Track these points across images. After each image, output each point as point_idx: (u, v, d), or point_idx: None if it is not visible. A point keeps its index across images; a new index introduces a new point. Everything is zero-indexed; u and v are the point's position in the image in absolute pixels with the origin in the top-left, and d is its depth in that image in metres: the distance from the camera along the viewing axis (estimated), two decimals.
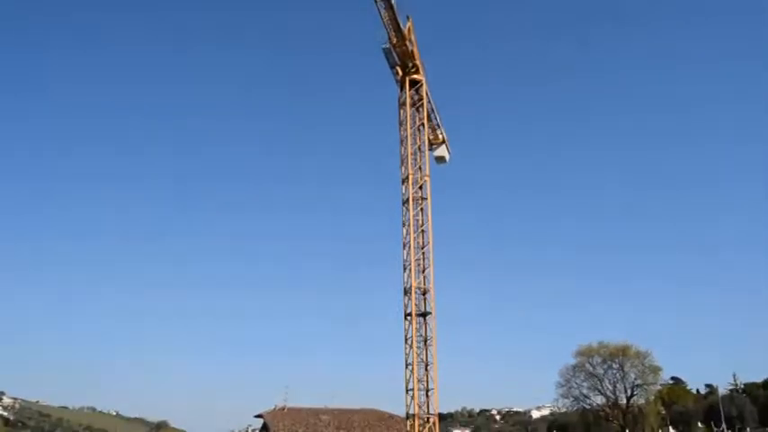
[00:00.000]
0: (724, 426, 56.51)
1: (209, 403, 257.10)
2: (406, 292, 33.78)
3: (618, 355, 68.64)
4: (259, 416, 68.35)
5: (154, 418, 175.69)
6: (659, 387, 73.79)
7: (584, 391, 70.32)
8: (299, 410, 64.36)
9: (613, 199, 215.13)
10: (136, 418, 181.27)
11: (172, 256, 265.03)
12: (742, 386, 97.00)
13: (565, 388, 70.58)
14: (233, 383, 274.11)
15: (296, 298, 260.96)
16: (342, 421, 62.91)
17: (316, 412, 64.53)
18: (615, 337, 73.24)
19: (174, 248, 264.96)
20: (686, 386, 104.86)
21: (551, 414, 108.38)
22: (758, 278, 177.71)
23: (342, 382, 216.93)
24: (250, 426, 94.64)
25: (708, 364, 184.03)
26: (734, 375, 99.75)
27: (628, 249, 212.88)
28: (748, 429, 74.30)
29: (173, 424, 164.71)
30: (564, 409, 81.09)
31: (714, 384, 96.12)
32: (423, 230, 34.96)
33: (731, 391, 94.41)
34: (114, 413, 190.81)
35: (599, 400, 70.33)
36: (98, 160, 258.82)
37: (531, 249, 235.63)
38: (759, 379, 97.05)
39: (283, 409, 64.44)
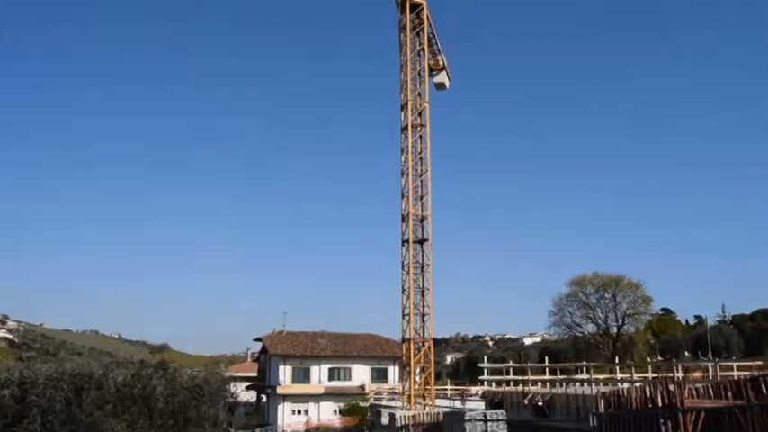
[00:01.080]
0: (710, 354, 58.06)
1: (208, 327, 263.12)
2: (404, 219, 34.02)
3: (611, 286, 69.90)
4: (258, 339, 69.98)
5: (155, 341, 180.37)
6: (649, 317, 75.53)
7: (577, 320, 72.07)
8: (297, 334, 65.82)
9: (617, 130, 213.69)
10: (138, 341, 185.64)
11: (172, 184, 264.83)
12: (730, 318, 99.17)
13: (557, 316, 72.29)
14: (232, 309, 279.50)
15: (296, 227, 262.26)
16: (339, 345, 64.49)
17: (313, 336, 66.04)
18: (609, 269, 74.53)
19: (175, 177, 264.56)
20: (676, 317, 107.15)
21: (543, 341, 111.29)
22: (749, 214, 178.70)
23: (339, 308, 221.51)
24: (249, 348, 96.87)
25: (698, 296, 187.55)
26: (723, 307, 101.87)
27: (627, 186, 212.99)
28: (734, 358, 76.31)
29: (173, 347, 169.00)
30: (555, 337, 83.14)
31: (703, 315, 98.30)
32: (421, 158, 34.87)
33: (719, 322, 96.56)
34: (117, 336, 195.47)
35: (590, 328, 72.15)
36: None
37: (529, 178, 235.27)
38: (747, 311, 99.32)
39: (282, 333, 65.88)
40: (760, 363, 33.16)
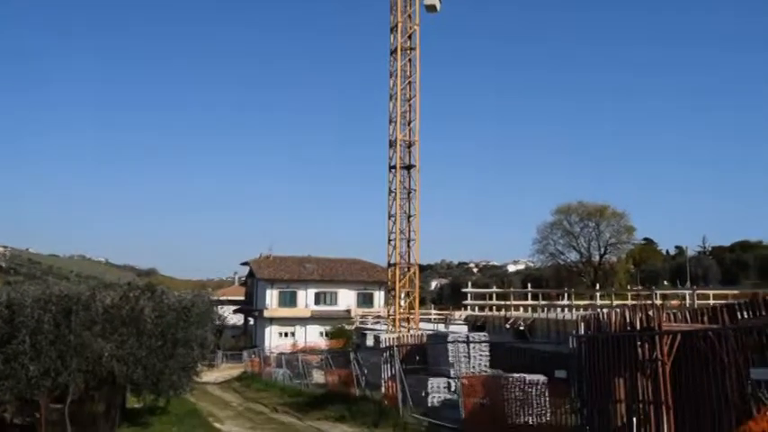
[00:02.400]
0: (689, 283, 59.44)
1: (195, 252, 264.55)
2: (392, 144, 33.76)
3: (595, 215, 70.57)
4: (245, 263, 70.65)
5: (142, 265, 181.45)
6: (631, 247, 76.66)
7: (560, 248, 73.01)
8: (284, 259, 66.45)
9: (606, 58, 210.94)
10: (125, 266, 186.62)
11: (161, 114, 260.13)
12: (710, 249, 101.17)
13: (541, 244, 73.18)
14: (220, 234, 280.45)
15: (285, 154, 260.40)
16: (325, 269, 65.28)
17: (300, 261, 66.72)
18: (594, 199, 75.13)
19: (165, 114, 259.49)
20: (657, 247, 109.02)
21: (526, 268, 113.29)
22: (734, 148, 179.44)
23: (326, 234, 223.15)
24: (236, 273, 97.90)
25: (680, 228, 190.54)
26: (703, 239, 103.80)
27: (615, 119, 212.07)
28: (711, 287, 78.17)
29: (161, 272, 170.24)
30: (539, 265, 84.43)
31: (684, 246, 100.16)
32: (410, 82, 34.25)
33: (699, 253, 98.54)
34: (104, 261, 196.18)
35: (573, 256, 73.24)
36: None
37: (519, 110, 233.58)
38: (727, 243, 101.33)
39: (269, 258, 66.46)
40: (736, 292, 33.98)
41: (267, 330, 61.30)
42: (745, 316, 10.32)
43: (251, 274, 68.77)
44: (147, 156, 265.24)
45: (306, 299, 63.08)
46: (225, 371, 47.44)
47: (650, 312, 10.14)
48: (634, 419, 9.91)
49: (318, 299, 63.47)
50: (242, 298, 74.35)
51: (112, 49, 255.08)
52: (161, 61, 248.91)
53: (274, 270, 63.51)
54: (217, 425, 19.07)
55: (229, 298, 74.37)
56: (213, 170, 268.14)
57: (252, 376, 40.03)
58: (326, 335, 55.89)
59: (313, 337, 58.56)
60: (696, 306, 17.73)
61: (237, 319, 71.55)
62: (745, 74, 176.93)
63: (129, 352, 14.73)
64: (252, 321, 69.25)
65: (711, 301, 25.29)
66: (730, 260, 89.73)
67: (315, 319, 61.19)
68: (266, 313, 61.47)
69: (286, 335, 61.44)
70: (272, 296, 61.99)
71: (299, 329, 61.57)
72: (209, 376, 40.99)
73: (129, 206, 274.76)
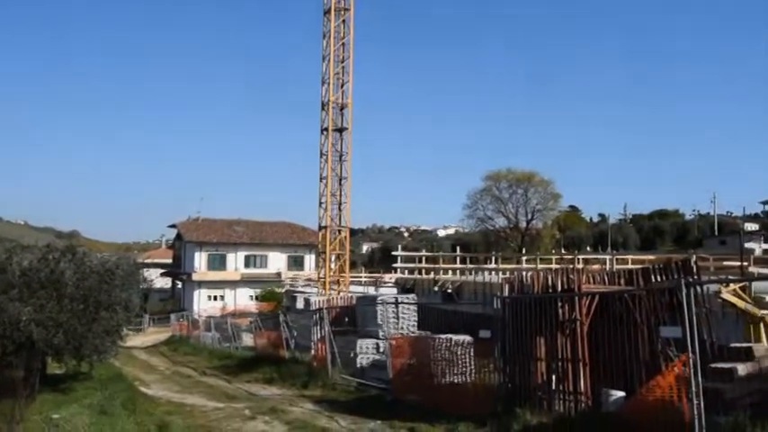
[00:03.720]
0: (609, 248, 62.02)
1: (121, 214, 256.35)
2: (324, 106, 33.46)
3: (523, 182, 72.24)
4: (173, 226, 69.14)
5: (64, 227, 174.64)
6: (557, 213, 79.08)
7: (489, 213, 74.55)
8: (214, 221, 65.39)
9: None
10: (45, 228, 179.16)
11: (88, 68, 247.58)
12: (630, 216, 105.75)
13: (471, 209, 74.52)
14: (146, 196, 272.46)
15: (213, 113, 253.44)
16: (255, 232, 64.65)
17: (230, 223, 65.81)
18: (523, 166, 76.98)
19: (93, 60, 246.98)
20: (581, 214, 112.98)
21: (456, 233, 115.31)
22: (656, 117, 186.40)
23: (257, 196, 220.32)
24: (164, 236, 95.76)
25: (603, 196, 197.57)
26: (624, 207, 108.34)
27: (546, 82, 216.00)
28: (629, 251, 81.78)
29: (84, 234, 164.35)
30: (468, 230, 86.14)
31: (606, 214, 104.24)
32: (343, 43, 33.87)
33: (620, 220, 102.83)
34: (23, 222, 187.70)
35: (501, 222, 74.92)
36: None
37: (452, 71, 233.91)
38: (646, 211, 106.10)
39: (197, 220, 65.27)
40: (652, 257, 35.61)
41: (196, 294, 60.45)
42: (659, 279, 10.89)
43: (179, 237, 67.45)
44: (66, 110, 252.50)
45: (235, 262, 62.44)
46: (152, 335, 46.71)
47: (571, 275, 10.55)
48: (553, 376, 10.35)
49: (248, 262, 62.94)
50: (170, 261, 72.92)
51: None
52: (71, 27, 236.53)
53: (203, 233, 62.46)
54: (143, 389, 18.78)
55: (156, 261, 72.82)
56: (139, 127, 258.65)
57: (180, 340, 39.54)
58: (257, 298, 55.72)
59: (243, 300, 58.22)
60: (615, 270, 18.48)
61: (165, 283, 70.23)
62: (670, 43, 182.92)
63: (49, 316, 14.19)
64: (180, 285, 68.12)
65: (630, 266, 26.40)
66: (648, 227, 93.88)
67: (245, 282, 60.76)
68: (195, 276, 60.56)
69: (215, 298, 60.81)
70: (200, 259, 61.07)
71: (228, 293, 61.03)
72: (135, 340, 40.40)
73: (49, 165, 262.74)
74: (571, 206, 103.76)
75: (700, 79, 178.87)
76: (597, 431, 8.59)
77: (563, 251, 52.80)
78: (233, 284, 61.00)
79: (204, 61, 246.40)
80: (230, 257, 62.30)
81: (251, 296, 58.30)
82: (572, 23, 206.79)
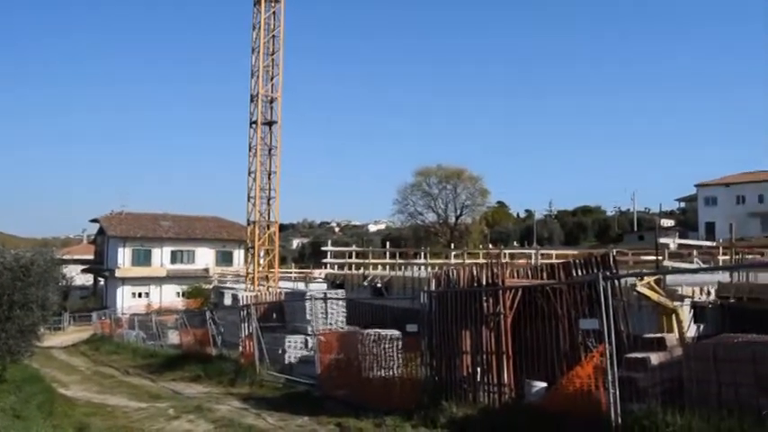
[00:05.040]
0: (535, 243, 63.81)
1: (39, 208, 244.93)
2: (253, 99, 32.97)
3: (453, 178, 73.44)
4: (95, 220, 66.77)
5: None
6: (485, 209, 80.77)
7: (419, 209, 75.44)
8: (138, 215, 63.56)
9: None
10: None
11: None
12: (555, 212, 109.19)
13: (401, 204, 75.23)
14: (67, 187, 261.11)
15: (137, 106, 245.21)
16: (183, 227, 63.22)
17: (155, 218, 64.10)
18: (453, 163, 78.14)
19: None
20: (509, 210, 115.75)
21: (387, 228, 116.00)
22: (580, 116, 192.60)
23: (183, 190, 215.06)
24: (85, 230, 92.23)
25: (530, 192, 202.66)
26: (550, 203, 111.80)
27: (469, 84, 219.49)
28: (554, 246, 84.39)
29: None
30: (398, 225, 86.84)
31: (532, 209, 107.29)
32: (274, 35, 33.42)
33: (546, 216, 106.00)
34: None
35: (431, 217, 75.92)
36: None
37: (385, 66, 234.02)
38: (570, 207, 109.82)
39: (121, 214, 63.26)
40: (575, 252, 36.86)
41: (119, 291, 58.63)
42: (579, 273, 11.27)
43: (101, 232, 65.15)
44: None
45: (161, 257, 60.89)
46: (72, 334, 45.05)
47: (495, 269, 10.79)
48: (478, 369, 10.56)
49: (175, 257, 61.50)
50: (91, 257, 70.36)
51: None
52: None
53: (127, 227, 60.60)
54: (62, 390, 18.06)
55: (77, 257, 70.29)
56: (60, 115, 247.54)
57: (102, 339, 38.21)
58: (183, 294, 54.57)
59: (169, 297, 56.90)
60: (539, 264, 19.01)
61: (87, 280, 67.81)
62: (598, 43, 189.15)
63: None
64: (102, 282, 65.88)
65: (554, 260, 27.23)
66: (572, 223, 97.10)
67: (171, 278, 59.36)
68: (118, 273, 58.69)
69: (140, 295, 59.19)
70: (124, 255, 59.26)
71: (153, 289, 59.51)
72: (53, 340, 38.84)
73: None
74: (499, 202, 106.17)
75: (619, 78, 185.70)
76: (519, 421, 8.79)
77: (490, 246, 53.90)
78: (159, 281, 59.50)
79: (127, 50, 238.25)
80: (156, 253, 60.70)
81: (178, 293, 57.01)
82: (516, 19, 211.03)
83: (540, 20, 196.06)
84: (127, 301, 57.20)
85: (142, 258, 60.11)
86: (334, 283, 31.10)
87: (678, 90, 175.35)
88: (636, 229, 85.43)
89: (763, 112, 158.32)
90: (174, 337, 29.13)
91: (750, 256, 27.70)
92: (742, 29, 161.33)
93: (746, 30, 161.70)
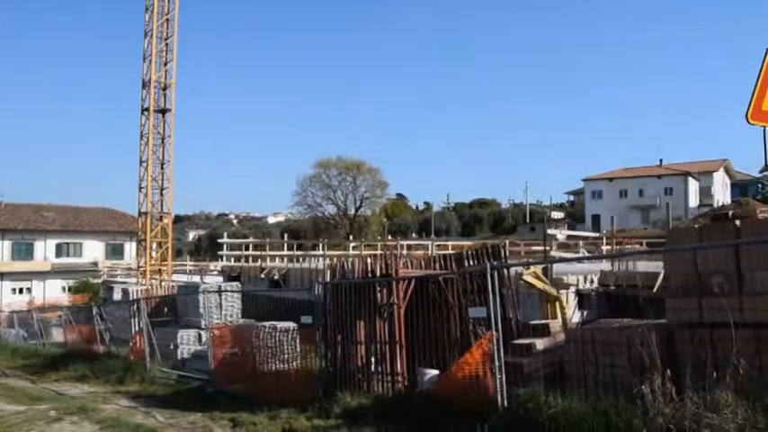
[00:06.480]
0: (432, 235, 65.21)
1: None
2: (145, 85, 31.65)
3: (353, 170, 73.89)
4: None
5: None
6: (385, 201, 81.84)
7: (318, 200, 75.44)
8: (18, 206, 59.84)
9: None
10: None
11: None
12: (453, 205, 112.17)
13: (301, 196, 74.94)
14: None
15: (22, 87, 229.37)
16: (69, 218, 60.04)
17: (38, 208, 60.54)
18: (352, 154, 78.62)
19: None
20: (408, 202, 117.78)
21: (286, 220, 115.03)
22: (478, 111, 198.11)
23: (69, 179, 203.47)
24: None
25: (429, 185, 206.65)
26: (447, 195, 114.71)
27: (373, 79, 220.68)
28: (450, 238, 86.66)
29: None
30: (298, 216, 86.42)
31: (431, 202, 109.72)
32: (168, 19, 32.19)
33: (443, 208, 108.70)
34: None
35: (331, 209, 76.09)
36: None
37: (288, 54, 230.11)
38: (467, 200, 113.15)
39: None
40: (470, 243, 37.96)
41: None
42: (471, 263, 11.62)
43: None
44: None
45: (45, 251, 57.57)
46: None
47: (389, 260, 10.93)
48: (372, 359, 10.67)
49: (60, 251, 58.33)
50: None
51: None
52: None
53: (6, 219, 56.90)
54: None
55: None
56: None
57: None
58: (70, 290, 52.00)
59: (54, 292, 53.95)
60: (434, 255, 19.43)
61: None
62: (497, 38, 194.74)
63: None
64: None
65: (450, 251, 27.91)
66: (469, 215, 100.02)
67: (56, 272, 56.28)
68: None
69: (21, 291, 55.75)
70: (3, 248, 55.57)
71: (36, 285, 56.20)
72: None
73: None
74: (398, 194, 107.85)
75: (513, 76, 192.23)
76: (412, 409, 8.96)
77: (389, 238, 54.62)
78: (42, 275, 56.22)
79: (16, 32, 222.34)
80: (39, 246, 57.33)
81: (64, 288, 54.13)
82: (413, 13, 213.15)
83: (436, 15, 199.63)
84: (6, 297, 53.71)
85: (23, 252, 56.67)
86: (230, 275, 30.51)
87: (570, 89, 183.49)
88: (528, 220, 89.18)
89: (643, 110, 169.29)
90: (58, 335, 27.62)
91: (629, 247, 29.54)
92: (618, 27, 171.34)
93: (622, 28, 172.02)
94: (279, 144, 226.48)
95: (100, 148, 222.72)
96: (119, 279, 41.45)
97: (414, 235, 76.13)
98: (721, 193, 76.40)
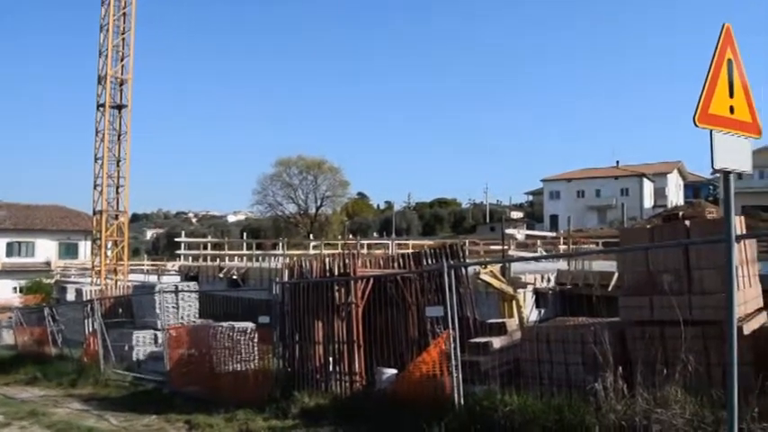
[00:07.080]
0: (393, 234, 65.37)
1: None
2: (101, 80, 30.95)
3: (313, 169, 73.61)
4: None
5: None
6: (346, 200, 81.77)
7: (279, 199, 74.95)
8: None
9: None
10: None
11: None
12: (414, 204, 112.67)
13: (261, 195, 74.34)
14: None
15: None
16: (20, 217, 58.35)
17: None
18: (313, 154, 78.37)
19: None
20: (369, 201, 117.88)
21: (246, 219, 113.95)
22: (438, 112, 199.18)
23: (21, 176, 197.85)
24: None
25: (390, 184, 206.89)
26: (409, 195, 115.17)
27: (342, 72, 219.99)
28: (411, 237, 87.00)
29: None
30: (258, 215, 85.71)
31: (392, 201, 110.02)
32: (125, 13, 31.51)
33: (405, 207, 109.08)
34: None
35: (291, 208, 75.68)
36: None
37: (244, 46, 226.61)
38: (428, 199, 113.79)
39: None
40: (431, 242, 38.12)
41: None
42: (429, 262, 11.66)
43: None
44: None
45: None
46: None
47: (347, 259, 10.90)
48: (331, 359, 10.63)
49: (11, 250, 56.70)
50: None
51: None
52: None
53: None
54: None
55: None
56: None
57: None
58: (21, 290, 50.65)
59: (5, 293, 52.32)
60: (393, 254, 19.48)
61: None
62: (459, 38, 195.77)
63: None
64: None
65: (410, 250, 28.00)
66: (430, 214, 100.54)
67: (7, 272, 54.63)
68: None
69: None
70: None
71: None
72: None
73: None
74: (359, 193, 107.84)
75: (464, 74, 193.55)
76: (369, 408, 8.95)
77: (350, 237, 54.54)
78: None
79: None
80: None
81: (15, 288, 52.62)
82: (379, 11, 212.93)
83: (393, 11, 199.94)
84: None
85: None
86: (188, 275, 30.07)
87: (529, 93, 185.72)
88: (488, 220, 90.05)
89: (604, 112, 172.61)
90: (8, 337, 26.85)
91: (585, 246, 30.09)
92: (597, 30, 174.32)
93: (597, 32, 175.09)
94: (239, 142, 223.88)
95: (54, 144, 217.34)
96: (72, 279, 40.44)
97: (375, 234, 76.22)
98: (675, 194, 78.35)
